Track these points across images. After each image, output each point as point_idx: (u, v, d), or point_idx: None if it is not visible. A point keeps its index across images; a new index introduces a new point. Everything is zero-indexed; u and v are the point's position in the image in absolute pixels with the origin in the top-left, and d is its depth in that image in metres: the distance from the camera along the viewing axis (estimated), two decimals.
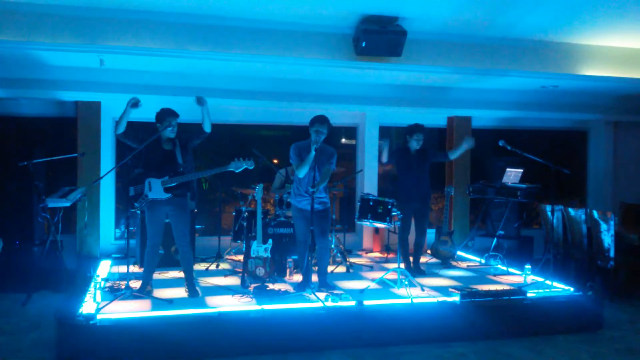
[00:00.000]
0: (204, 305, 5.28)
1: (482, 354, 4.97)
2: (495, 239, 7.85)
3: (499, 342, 5.23)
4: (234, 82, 7.83)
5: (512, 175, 8.07)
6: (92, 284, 5.83)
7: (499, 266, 7.38)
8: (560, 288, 6.07)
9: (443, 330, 5.25)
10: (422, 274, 6.81)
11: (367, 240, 8.90)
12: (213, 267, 7.09)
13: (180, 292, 5.72)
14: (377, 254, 8.43)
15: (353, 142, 9.25)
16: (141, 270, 6.34)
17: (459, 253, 8.13)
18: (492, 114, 9.20)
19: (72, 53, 6.24)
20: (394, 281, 6.01)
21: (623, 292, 6.86)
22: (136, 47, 6.07)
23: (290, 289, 5.87)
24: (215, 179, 7.11)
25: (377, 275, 6.43)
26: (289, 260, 6.50)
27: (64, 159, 7.00)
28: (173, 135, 5.56)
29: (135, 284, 5.68)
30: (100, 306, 4.98)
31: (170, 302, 5.26)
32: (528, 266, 6.53)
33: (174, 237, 5.66)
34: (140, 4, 5.82)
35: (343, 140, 9.50)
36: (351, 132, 9.26)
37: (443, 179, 9.29)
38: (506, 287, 5.93)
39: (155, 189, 5.47)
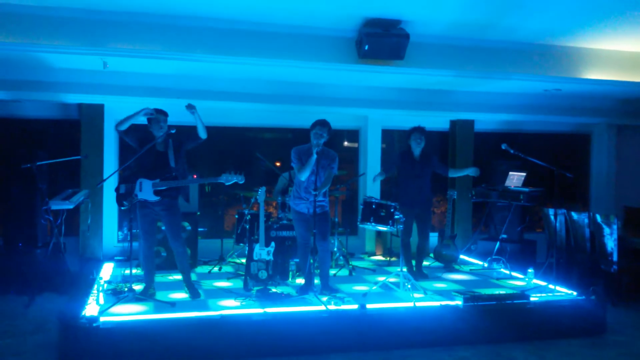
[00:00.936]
0: (206, 308, 5.28)
1: (485, 357, 4.96)
2: (498, 243, 7.84)
3: (502, 346, 5.22)
4: (237, 85, 7.84)
5: (515, 178, 8.07)
6: (95, 286, 5.84)
7: (502, 270, 7.37)
8: (563, 292, 6.06)
9: (446, 334, 5.24)
10: (425, 277, 6.80)
11: (370, 244, 8.90)
12: (216, 269, 7.09)
13: (183, 295, 5.73)
14: (380, 257, 8.43)
15: (356, 145, 9.25)
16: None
17: (462, 257, 8.12)
18: (495, 117, 9.20)
19: (75, 55, 6.25)
20: (397, 284, 6.00)
21: (626, 297, 6.84)
22: (139, 50, 6.09)
23: (292, 292, 5.87)
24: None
25: (380, 278, 6.43)
26: (292, 263, 6.49)
27: (67, 161, 7.03)
28: (161, 132, 5.54)
29: (138, 287, 5.69)
30: (103, 309, 4.98)
31: (173, 305, 5.26)
32: (531, 270, 6.52)
33: (168, 237, 5.69)
34: (144, 6, 5.83)
35: (345, 143, 9.50)
36: (354, 135, 9.26)
37: (445, 183, 9.28)
38: (509, 291, 5.92)
39: (146, 189, 5.48)
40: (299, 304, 5.37)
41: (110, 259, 7.73)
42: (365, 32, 6.14)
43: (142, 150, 5.45)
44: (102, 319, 4.72)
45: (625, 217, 8.35)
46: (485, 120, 9.33)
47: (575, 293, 5.98)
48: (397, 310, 5.37)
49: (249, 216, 7.06)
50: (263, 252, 5.93)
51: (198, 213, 7.42)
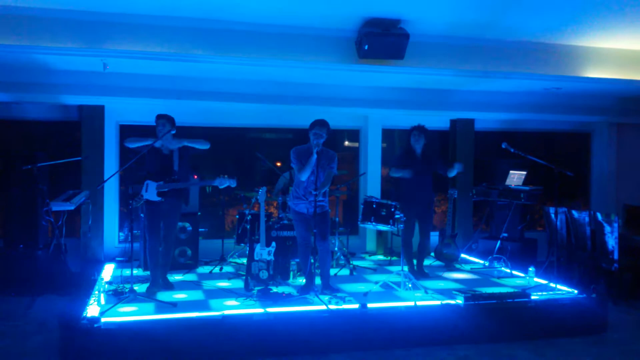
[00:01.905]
0: (208, 308, 5.29)
1: (486, 356, 4.96)
2: (498, 242, 7.84)
3: (503, 344, 5.22)
4: (237, 86, 7.84)
5: (516, 177, 8.07)
6: (96, 287, 5.84)
7: (503, 269, 7.37)
8: (564, 290, 6.06)
9: (447, 333, 5.24)
10: (426, 276, 6.81)
11: (371, 243, 8.90)
12: (217, 270, 7.10)
13: (185, 295, 5.74)
14: (381, 257, 8.43)
15: (356, 144, 9.26)
16: (146, 272, 6.39)
17: (463, 256, 8.12)
18: (495, 116, 9.19)
19: (75, 57, 6.26)
20: (398, 284, 6.00)
21: (627, 295, 6.84)
22: (140, 51, 6.10)
23: (293, 291, 5.87)
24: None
25: (381, 278, 6.43)
26: (293, 263, 6.50)
27: (68, 162, 7.04)
28: (161, 134, 5.79)
29: (140, 287, 5.76)
30: (104, 309, 4.99)
31: (174, 306, 5.27)
32: (532, 269, 6.52)
33: (162, 234, 5.94)
34: (144, 8, 5.84)
35: (346, 143, 9.50)
36: (354, 134, 9.26)
37: (446, 182, 9.28)
38: (510, 290, 5.93)
39: (151, 191, 5.80)
40: (300, 304, 5.37)
41: (111, 259, 7.73)
42: (365, 31, 6.15)
43: (143, 150, 5.66)
44: (103, 319, 4.72)
45: (626, 215, 8.34)
46: (486, 119, 9.33)
47: (576, 291, 5.98)
48: (398, 309, 5.37)
49: (250, 216, 7.07)
50: (264, 252, 5.94)
51: (199, 213, 7.43)
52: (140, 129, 8.01)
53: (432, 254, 7.88)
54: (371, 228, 6.82)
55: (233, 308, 5.29)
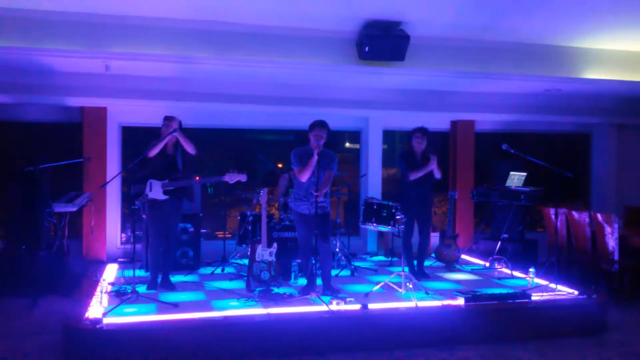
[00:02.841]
0: (209, 309, 5.30)
1: (487, 357, 4.97)
2: (499, 242, 7.85)
3: (504, 345, 5.23)
4: (238, 87, 7.87)
5: (516, 178, 8.08)
6: (98, 288, 5.86)
7: (503, 269, 7.38)
8: (564, 291, 6.07)
9: (448, 333, 5.26)
10: (427, 277, 6.82)
11: (372, 244, 8.92)
12: (218, 271, 7.12)
13: (186, 296, 5.76)
14: (382, 258, 8.45)
15: (357, 146, 9.28)
16: (147, 274, 6.41)
17: (463, 256, 8.13)
18: (496, 117, 9.21)
19: (77, 59, 6.29)
20: (399, 285, 6.02)
21: (627, 296, 6.86)
22: (141, 53, 6.12)
23: (295, 292, 5.89)
24: (220, 183, 7.16)
25: (382, 278, 6.44)
26: (294, 264, 6.52)
27: (70, 164, 7.06)
28: (165, 135, 5.90)
29: (142, 288, 5.80)
30: (107, 310, 5.01)
31: (175, 306, 5.29)
32: (532, 269, 6.53)
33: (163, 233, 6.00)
34: (145, 10, 5.86)
35: (347, 144, 9.52)
36: (355, 136, 9.28)
37: (447, 183, 9.30)
38: (510, 291, 5.94)
39: (155, 190, 5.87)
40: (302, 305, 5.39)
41: (113, 260, 7.76)
42: (365, 33, 6.17)
43: (146, 151, 5.77)
44: (105, 320, 4.75)
45: (626, 216, 8.36)
46: (486, 121, 9.35)
47: (576, 292, 5.98)
48: (399, 310, 5.38)
49: (251, 217, 7.09)
50: (265, 253, 5.95)
51: (201, 214, 7.45)
52: (143, 131, 8.05)
53: (433, 254, 7.90)
54: (372, 229, 6.84)
55: (235, 309, 5.31)
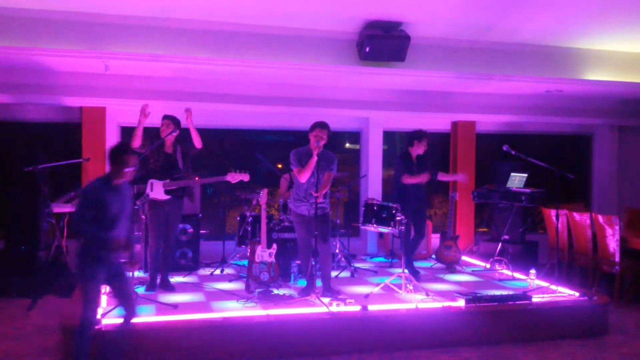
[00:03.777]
0: (208, 310, 5.28)
1: (487, 359, 4.96)
2: (500, 244, 7.84)
3: (504, 347, 5.22)
4: (238, 87, 7.86)
5: (517, 179, 8.06)
6: None
7: (504, 271, 7.36)
8: (565, 293, 6.05)
9: (448, 335, 5.24)
10: (417, 274, 6.80)
11: (372, 245, 8.90)
12: (217, 272, 7.10)
13: (185, 297, 5.74)
14: (382, 259, 8.42)
15: (357, 147, 9.26)
16: (146, 274, 6.39)
17: (464, 258, 8.11)
18: (496, 118, 9.20)
19: (76, 59, 6.27)
20: (399, 286, 6.00)
21: (628, 297, 6.84)
22: (141, 53, 6.10)
23: (294, 293, 5.87)
24: (220, 183, 7.16)
25: (382, 280, 6.42)
26: (293, 265, 6.50)
27: (69, 164, 7.04)
28: (164, 134, 5.93)
29: (141, 289, 5.80)
30: (105, 311, 4.99)
31: (175, 307, 5.27)
32: (533, 271, 6.51)
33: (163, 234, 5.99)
34: (145, 10, 5.85)
35: (347, 145, 9.51)
36: (355, 136, 9.27)
37: (447, 184, 9.29)
38: (511, 292, 5.92)
39: (157, 189, 5.84)
40: (301, 306, 5.37)
41: None
42: (366, 34, 6.15)
43: (147, 151, 5.81)
44: (104, 321, 4.72)
45: (627, 217, 8.34)
46: (487, 122, 9.34)
47: (577, 294, 5.96)
48: (399, 311, 5.37)
49: (251, 218, 7.06)
50: (265, 254, 5.94)
51: (200, 215, 7.43)
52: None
53: (434, 256, 7.88)
54: (372, 230, 6.82)
55: (234, 310, 5.29)
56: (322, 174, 5.77)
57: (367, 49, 6.21)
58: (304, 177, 5.73)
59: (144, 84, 7.51)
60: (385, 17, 6.09)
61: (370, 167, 8.90)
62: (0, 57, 6.27)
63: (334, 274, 6.75)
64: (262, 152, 7.08)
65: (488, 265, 7.63)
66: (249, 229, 7.05)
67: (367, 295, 5.85)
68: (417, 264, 7.40)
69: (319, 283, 5.89)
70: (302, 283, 6.14)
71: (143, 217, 6.11)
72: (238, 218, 7.40)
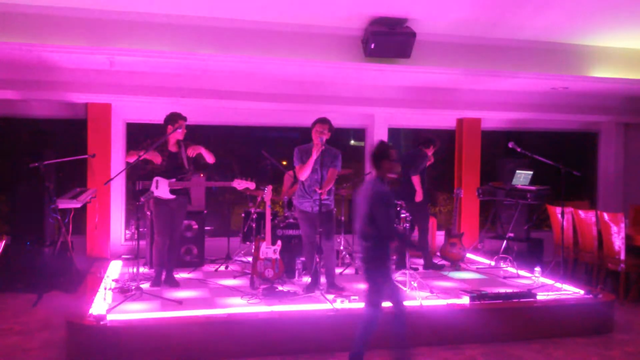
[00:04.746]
0: (213, 306, 5.29)
1: (492, 356, 4.95)
2: (505, 241, 7.82)
3: (509, 344, 5.21)
4: (243, 84, 7.86)
5: (522, 177, 8.04)
6: (102, 284, 5.86)
7: (509, 268, 7.34)
8: (570, 291, 6.04)
9: (452, 332, 5.24)
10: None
11: None
12: (222, 268, 7.11)
13: (190, 293, 5.76)
14: None
15: (362, 144, 9.25)
16: (151, 270, 6.41)
17: (469, 255, 8.10)
18: (502, 115, 9.17)
19: (82, 55, 6.28)
20: (403, 283, 5.99)
21: (634, 295, 6.81)
22: (146, 50, 6.10)
23: (299, 290, 5.88)
24: (225, 180, 7.17)
25: None
26: (298, 261, 6.50)
27: (75, 160, 7.06)
28: (181, 137, 5.98)
29: (145, 285, 5.82)
30: (110, 307, 5.00)
31: (179, 303, 5.28)
32: (538, 269, 6.50)
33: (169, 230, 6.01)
34: (151, 6, 5.85)
35: (352, 142, 9.49)
36: (360, 134, 9.25)
37: (452, 181, 9.27)
38: (516, 290, 5.91)
39: (162, 188, 5.86)
40: (305, 303, 5.38)
41: (117, 257, 7.76)
42: (371, 30, 6.14)
43: (150, 148, 5.77)
44: (109, 317, 4.74)
45: (633, 215, 8.31)
46: (492, 119, 9.30)
47: (582, 292, 5.95)
48: None
49: (256, 215, 7.07)
50: (269, 250, 5.94)
51: (205, 212, 7.44)
52: (147, 127, 8.03)
53: (438, 253, 7.87)
54: None
55: (238, 306, 5.30)
56: (326, 170, 5.77)
57: (372, 46, 6.20)
58: (303, 174, 5.74)
59: (149, 80, 7.52)
60: (391, 13, 6.08)
61: None
62: (5, 54, 6.29)
63: (338, 270, 6.75)
64: (267, 149, 7.08)
65: (493, 263, 7.62)
66: (254, 225, 7.06)
67: None
68: (420, 261, 7.40)
69: (323, 280, 5.90)
70: (307, 280, 6.14)
71: (148, 213, 6.13)
72: (243, 215, 7.41)
